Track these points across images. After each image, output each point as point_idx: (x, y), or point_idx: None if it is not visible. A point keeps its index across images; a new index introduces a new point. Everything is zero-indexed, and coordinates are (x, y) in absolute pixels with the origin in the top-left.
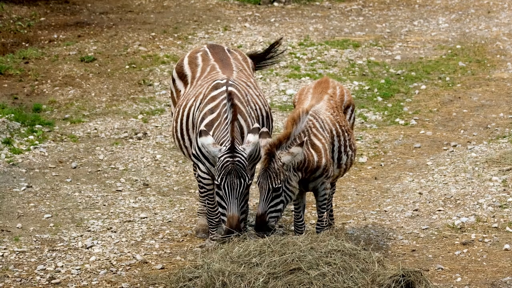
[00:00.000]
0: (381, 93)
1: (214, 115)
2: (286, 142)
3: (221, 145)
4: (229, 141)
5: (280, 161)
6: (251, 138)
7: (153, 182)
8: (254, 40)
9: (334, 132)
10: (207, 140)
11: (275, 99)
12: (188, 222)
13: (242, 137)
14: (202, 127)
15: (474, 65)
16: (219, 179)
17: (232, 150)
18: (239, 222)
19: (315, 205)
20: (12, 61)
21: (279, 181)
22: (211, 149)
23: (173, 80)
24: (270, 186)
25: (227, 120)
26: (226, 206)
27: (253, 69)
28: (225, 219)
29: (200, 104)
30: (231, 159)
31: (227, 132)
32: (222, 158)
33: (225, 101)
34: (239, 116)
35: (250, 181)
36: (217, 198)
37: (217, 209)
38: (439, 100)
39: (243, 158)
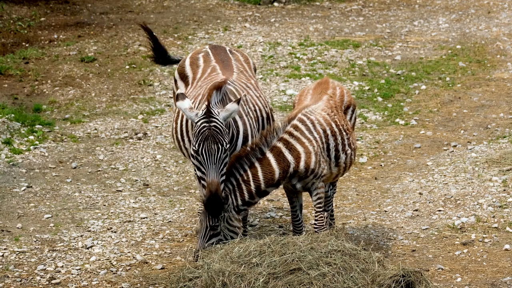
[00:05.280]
0: (381, 93)
1: None
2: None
3: None
4: (205, 106)
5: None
6: (229, 106)
7: (153, 182)
8: (254, 40)
9: (329, 132)
10: (183, 104)
11: (275, 99)
12: (188, 222)
13: (238, 134)
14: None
15: (474, 65)
16: (196, 145)
17: (208, 115)
18: (219, 186)
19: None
20: (12, 61)
21: (216, 219)
22: (188, 113)
23: (175, 81)
24: (207, 224)
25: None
26: (205, 172)
27: (255, 70)
28: (205, 184)
29: (198, 105)
30: (207, 125)
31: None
32: (199, 123)
33: None
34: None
35: (227, 146)
36: (196, 163)
37: None
38: (439, 100)
39: (219, 122)
